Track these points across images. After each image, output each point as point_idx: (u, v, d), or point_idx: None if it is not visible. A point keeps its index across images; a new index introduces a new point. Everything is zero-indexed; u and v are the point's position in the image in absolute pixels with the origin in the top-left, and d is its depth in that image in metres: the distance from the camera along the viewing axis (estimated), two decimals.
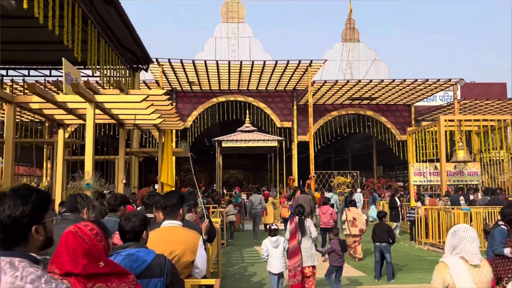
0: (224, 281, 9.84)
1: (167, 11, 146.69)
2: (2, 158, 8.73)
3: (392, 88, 26.13)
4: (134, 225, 3.15)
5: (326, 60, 25.78)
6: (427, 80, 24.94)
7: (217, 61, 23.84)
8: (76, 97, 8.00)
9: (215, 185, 27.50)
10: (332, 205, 15.13)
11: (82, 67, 15.27)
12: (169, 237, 3.81)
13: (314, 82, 25.11)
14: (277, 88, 28.59)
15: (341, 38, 35.05)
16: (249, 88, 28.42)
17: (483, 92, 32.39)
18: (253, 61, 23.98)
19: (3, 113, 12.11)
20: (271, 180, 30.90)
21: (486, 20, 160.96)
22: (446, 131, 16.71)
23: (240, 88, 28.42)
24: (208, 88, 28.24)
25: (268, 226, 8.94)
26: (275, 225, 8.61)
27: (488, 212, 13.26)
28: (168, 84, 27.02)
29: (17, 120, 21.51)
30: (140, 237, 3.17)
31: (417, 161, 18.46)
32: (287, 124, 29.20)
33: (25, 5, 7.98)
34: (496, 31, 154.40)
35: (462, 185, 18.25)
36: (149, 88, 23.97)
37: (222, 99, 28.87)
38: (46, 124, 26.73)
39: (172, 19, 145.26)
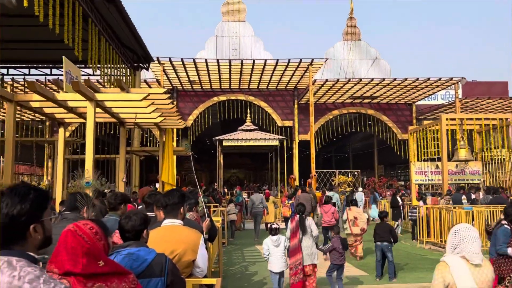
0: (225, 280, 9.83)
1: (167, 11, 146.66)
2: (3, 157, 8.70)
3: (393, 87, 26.08)
4: (135, 224, 3.12)
5: (327, 59, 25.76)
6: (429, 79, 24.90)
7: (218, 60, 23.82)
8: (77, 95, 7.97)
9: (216, 184, 27.48)
10: (334, 204, 15.11)
11: (83, 66, 15.25)
12: (170, 236, 3.77)
13: (315, 81, 25.08)
14: (278, 87, 28.56)
15: (342, 37, 34.99)
16: (250, 87, 28.38)
17: (485, 91, 32.32)
18: (254, 60, 23.95)
19: (4, 112, 12.10)
20: (272, 179, 30.87)
21: (487, 19, 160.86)
22: (447, 130, 16.67)
23: (241, 87, 28.39)
24: (209, 87, 28.21)
25: (269, 225, 8.95)
26: (276, 224, 8.61)
27: (490, 211, 13.22)
28: (169, 83, 27.00)
29: (18, 119, 21.58)
30: (140, 236, 3.14)
31: (418, 160, 18.43)
32: (288, 123, 29.17)
33: (25, 3, 7.95)
34: (497, 31, 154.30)
35: (463, 184, 18.21)
36: (150, 87, 23.96)
37: (223, 98, 28.84)
38: (47, 123, 26.71)
39: (172, 19, 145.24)
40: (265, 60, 23.89)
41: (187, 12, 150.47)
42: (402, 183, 32.07)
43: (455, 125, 17.16)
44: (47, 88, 12.71)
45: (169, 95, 10.35)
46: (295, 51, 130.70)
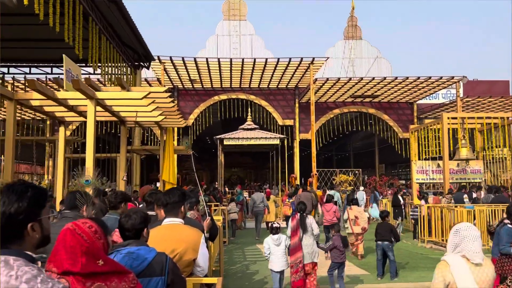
0: (226, 279, 9.80)
1: (167, 11, 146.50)
2: (3, 156, 8.67)
3: (394, 86, 26.05)
4: (135, 222, 3.09)
5: (328, 58, 25.71)
6: (430, 77, 24.88)
7: (218, 59, 23.80)
8: (77, 94, 7.94)
9: (216, 183, 27.47)
10: (336, 203, 15.10)
11: (84, 64, 15.22)
12: (170, 235, 3.74)
13: (316, 79, 25.05)
14: (279, 86, 28.54)
15: (343, 36, 34.94)
16: (251, 86, 28.36)
17: (486, 90, 32.27)
18: (255, 59, 23.92)
19: (5, 111, 12.06)
20: (273, 178, 30.85)
21: (488, 18, 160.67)
22: (449, 129, 16.63)
23: (241, 86, 28.37)
24: (210, 86, 28.20)
25: (270, 224, 8.94)
26: (277, 223, 8.59)
27: (492, 210, 13.18)
28: (169, 82, 26.99)
29: (19, 118, 21.56)
30: (140, 235, 3.11)
31: (419, 159, 18.40)
32: (289, 122, 29.15)
33: (25, 2, 7.92)
34: (498, 30, 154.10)
35: (464, 183, 18.18)
36: (151, 86, 23.91)
37: (223, 97, 28.83)
38: (48, 122, 26.71)
39: (172, 19, 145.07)
40: (266, 59, 23.87)
41: (187, 12, 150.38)
42: (403, 182, 32.03)
43: (457, 124, 17.12)
44: (48, 87, 12.70)
45: (169, 93, 10.32)
46: (296, 50, 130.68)
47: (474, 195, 16.21)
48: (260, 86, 28.45)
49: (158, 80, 25.25)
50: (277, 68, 24.60)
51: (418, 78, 24.79)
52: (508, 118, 17.39)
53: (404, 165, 37.51)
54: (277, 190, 27.16)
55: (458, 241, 3.42)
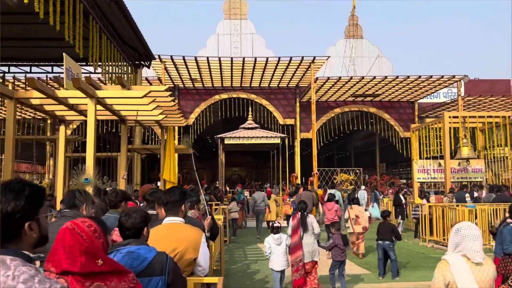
0: (227, 278, 9.78)
1: (167, 11, 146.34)
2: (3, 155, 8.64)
3: (395, 85, 26.02)
4: (135, 221, 3.05)
5: (329, 57, 25.67)
6: (431, 76, 24.83)
7: (219, 58, 23.77)
8: (77, 92, 7.90)
9: (217, 182, 27.45)
10: (337, 202, 15.10)
11: (84, 63, 15.20)
12: (171, 234, 3.71)
13: (317, 78, 25.01)
14: (279, 85, 28.50)
15: (344, 35, 34.89)
16: (252, 85, 28.33)
17: (487, 89, 32.22)
18: (255, 58, 23.87)
19: (5, 110, 12.03)
20: (273, 177, 30.83)
21: (490, 17, 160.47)
22: (450, 128, 16.60)
23: (242, 85, 28.33)
24: (211, 85, 28.17)
25: (270, 224, 8.93)
26: (278, 222, 8.59)
27: (493, 209, 13.13)
28: (170, 81, 26.96)
29: (20, 118, 21.57)
30: (140, 234, 3.07)
31: (420, 158, 18.37)
32: (289, 121, 29.12)
33: (25, 0, 7.90)
34: (500, 29, 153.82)
35: (465, 182, 18.14)
36: (152, 85, 23.89)
37: (224, 96, 28.81)
38: (49, 121, 26.70)
39: (172, 19, 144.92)
40: (267, 58, 23.83)
41: (187, 12, 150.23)
42: (404, 181, 32.00)
43: (458, 123, 17.08)
44: (48, 86, 12.67)
45: (170, 92, 10.28)
46: (297, 49, 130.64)
47: (476, 194, 16.17)
48: (261, 85, 28.41)
49: (159, 79, 25.21)
50: (278, 67, 24.57)
51: (419, 77, 24.75)
52: (509, 117, 17.33)
53: (405, 164, 37.45)
54: (278, 189, 27.15)
55: (459, 240, 3.41)
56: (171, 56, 22.85)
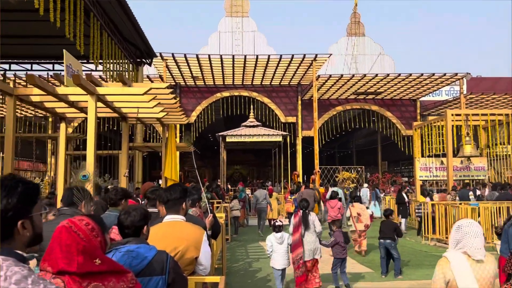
0: (229, 277, 9.73)
1: (167, 11, 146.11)
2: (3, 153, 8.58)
3: (397, 83, 25.94)
4: (134, 219, 2.98)
5: (331, 55, 25.57)
6: (433, 74, 24.73)
7: (221, 56, 23.70)
8: (78, 89, 7.84)
9: (219, 180, 27.40)
10: (340, 199, 15.09)
11: (85, 61, 15.16)
12: (171, 233, 3.64)
13: (319, 76, 24.94)
14: (281, 83, 28.43)
15: (346, 32, 34.81)
16: (253, 83, 28.26)
17: (490, 86, 32.08)
18: (257, 56, 23.81)
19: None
20: (275, 175, 30.78)
21: (492, 15, 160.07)
22: (452, 126, 16.51)
23: (244, 83, 28.26)
24: (212, 83, 28.11)
25: (272, 222, 8.91)
26: (280, 221, 8.56)
27: (497, 207, 13.05)
28: (172, 79, 26.89)
29: (21, 116, 21.54)
30: (140, 232, 3.00)
31: (422, 156, 18.29)
32: (291, 119, 29.05)
33: None
34: (502, 27, 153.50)
35: (468, 181, 18.05)
36: (153, 83, 23.84)
37: (226, 94, 28.74)
38: (50, 119, 26.66)
39: (172, 19, 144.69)
40: (269, 56, 23.75)
41: (187, 12, 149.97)
42: (406, 179, 31.94)
43: (460, 120, 17.00)
44: (49, 84, 12.63)
45: (171, 89, 10.22)
46: (298, 47, 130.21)
47: (478, 192, 16.09)
48: (263, 83, 28.34)
49: (160, 77, 25.17)
50: (279, 65, 24.50)
51: (422, 74, 24.66)
52: None
53: (406, 162, 37.43)
54: (280, 187, 27.10)
55: (460, 237, 3.39)
56: (173, 54, 22.79)
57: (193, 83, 28.05)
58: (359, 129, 33.05)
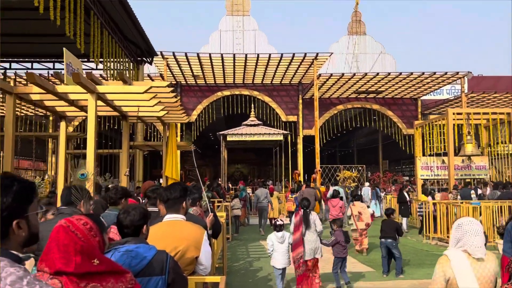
0: (230, 276, 9.70)
1: (167, 11, 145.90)
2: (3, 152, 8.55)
3: (398, 82, 25.90)
4: (133, 219, 2.94)
5: (332, 53, 25.54)
6: (435, 73, 24.69)
7: (221, 54, 23.65)
8: (78, 87, 7.80)
9: (220, 179, 27.39)
10: (341, 198, 15.09)
11: (86, 60, 15.11)
12: (171, 232, 3.60)
13: (320, 75, 24.90)
14: (282, 82, 28.39)
15: (347, 31, 34.75)
16: (254, 82, 28.23)
17: (491, 85, 32.01)
18: (258, 54, 23.77)
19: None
20: (276, 174, 30.75)
21: (493, 14, 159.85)
22: (454, 125, 16.47)
23: (245, 82, 28.22)
24: (213, 82, 28.07)
25: (273, 221, 8.91)
26: (281, 220, 8.55)
27: (499, 206, 13.01)
28: (172, 77, 26.85)
29: (22, 114, 21.51)
30: (140, 232, 2.96)
31: (424, 155, 18.25)
32: (292, 118, 29.01)
33: None
34: (503, 26, 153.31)
35: (469, 180, 18.01)
36: (153, 81, 23.81)
37: (227, 93, 28.71)
38: (51, 118, 26.62)
39: (172, 19, 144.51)
40: (270, 55, 23.70)
41: (187, 12, 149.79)
42: (407, 178, 31.91)
43: (462, 119, 16.95)
44: (50, 82, 12.61)
45: (172, 88, 10.18)
46: (299, 46, 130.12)
47: (480, 191, 16.05)
48: (264, 82, 28.30)
49: (161, 76, 25.13)
50: (280, 63, 24.46)
51: (423, 73, 24.62)
52: None
53: (407, 161, 37.38)
54: (281, 186, 27.07)
55: (460, 235, 3.38)
56: (173, 53, 22.74)
57: (194, 82, 28.01)
58: (360, 128, 32.99)
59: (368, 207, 15.38)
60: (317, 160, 24.42)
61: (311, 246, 8.24)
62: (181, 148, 17.94)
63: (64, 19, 9.41)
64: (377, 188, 22.65)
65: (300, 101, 28.88)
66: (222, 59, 23.70)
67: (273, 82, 28.32)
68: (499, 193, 14.01)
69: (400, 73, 24.78)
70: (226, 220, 13.31)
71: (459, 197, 14.94)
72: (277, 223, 8.39)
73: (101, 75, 18.37)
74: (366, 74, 25.10)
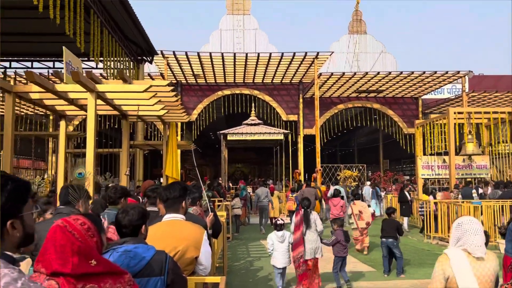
0: (230, 276, 9.68)
1: (167, 11, 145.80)
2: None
3: (399, 81, 25.85)
4: (132, 218, 2.91)
5: (332, 52, 25.48)
6: (435, 72, 24.64)
7: (222, 54, 23.60)
8: (77, 86, 7.76)
9: (220, 178, 27.36)
10: (342, 197, 15.08)
11: (86, 59, 15.08)
12: (171, 232, 3.56)
13: (320, 74, 24.85)
14: (283, 81, 28.35)
15: (348, 30, 34.69)
16: (255, 81, 28.18)
17: (492, 84, 31.96)
18: (258, 54, 23.73)
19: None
20: (277, 173, 30.71)
21: (495, 13, 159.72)
22: (455, 124, 16.43)
23: (245, 81, 28.18)
24: (213, 81, 28.03)
25: (274, 221, 8.92)
26: (281, 219, 8.55)
27: (500, 206, 12.97)
28: (173, 76, 26.81)
29: (22, 113, 21.49)
30: (138, 232, 2.92)
31: (424, 154, 18.21)
32: (293, 117, 28.97)
33: None
34: (504, 25, 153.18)
35: (470, 179, 17.98)
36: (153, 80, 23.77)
37: (227, 92, 28.67)
38: (51, 117, 26.60)
39: (172, 19, 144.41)
40: (270, 54, 23.66)
41: (187, 12, 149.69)
42: (408, 177, 31.87)
43: (463, 118, 16.91)
44: (50, 82, 12.59)
45: (172, 87, 10.14)
46: (300, 45, 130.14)
47: (480, 190, 16.01)
48: (264, 81, 28.26)
49: (162, 75, 25.10)
50: (281, 62, 24.41)
51: (424, 72, 24.57)
52: None
53: (408, 160, 37.34)
54: (281, 185, 27.03)
55: (460, 234, 3.39)
56: (174, 52, 22.71)
57: (194, 81, 27.97)
58: (360, 127, 32.96)
59: (369, 206, 15.37)
60: (318, 160, 24.38)
61: (312, 246, 8.27)
62: (182, 147, 17.91)
63: (64, 18, 9.38)
64: (377, 188, 22.61)
65: (301, 100, 28.84)
66: (223, 58, 23.66)
67: (273, 81, 28.28)
68: (500, 192, 13.99)
69: (401, 72, 24.73)
70: (227, 219, 13.28)
71: (460, 196, 14.89)
72: (278, 222, 8.42)
73: (101, 74, 18.34)
74: (366, 73, 25.04)
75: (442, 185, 22.17)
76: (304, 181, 22.23)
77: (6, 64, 17.99)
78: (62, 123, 10.04)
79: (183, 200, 3.78)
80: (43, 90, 7.77)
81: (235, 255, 12.40)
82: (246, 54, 23.76)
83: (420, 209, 16.13)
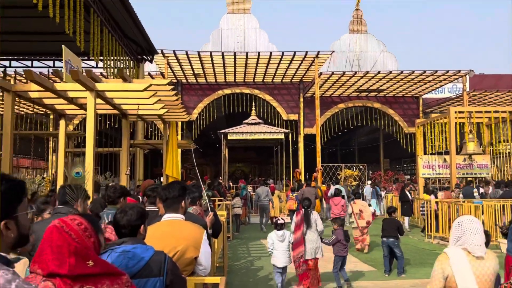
0: (230, 275, 9.66)
1: (167, 11, 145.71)
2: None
3: (400, 80, 25.79)
4: (131, 218, 2.87)
5: (333, 52, 25.42)
6: (436, 71, 24.58)
7: (222, 53, 23.54)
8: (77, 85, 7.73)
9: (220, 178, 27.34)
10: (343, 197, 15.08)
11: (86, 58, 15.06)
12: (170, 232, 3.53)
13: (321, 73, 24.80)
14: (283, 80, 28.30)
15: (349, 30, 34.64)
16: (255, 80, 28.14)
17: (493, 84, 31.90)
18: (259, 53, 23.67)
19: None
20: (277, 173, 30.69)
21: (495, 12, 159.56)
22: (456, 123, 16.39)
23: (246, 80, 28.14)
24: (214, 80, 27.99)
25: (274, 220, 8.91)
26: (281, 219, 8.55)
27: (501, 205, 12.94)
28: (173, 76, 26.77)
29: (22, 113, 21.45)
30: (137, 232, 2.89)
31: (425, 154, 18.18)
32: (293, 117, 28.93)
33: None
34: (505, 24, 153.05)
35: (471, 178, 17.94)
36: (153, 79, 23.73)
37: (227, 91, 28.62)
38: (51, 117, 26.57)
39: (172, 19, 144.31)
40: (271, 53, 23.62)
41: (187, 12, 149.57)
42: (408, 177, 31.84)
43: (464, 118, 16.87)
44: (50, 81, 12.55)
45: (172, 86, 10.11)
46: (300, 44, 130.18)
47: (481, 190, 15.98)
48: (265, 81, 28.21)
49: (162, 74, 25.06)
50: (281, 62, 24.35)
51: (424, 72, 24.52)
52: None
53: (409, 160, 37.30)
54: (282, 185, 27.01)
55: (460, 233, 3.39)
56: (174, 51, 22.67)
57: (195, 80, 27.93)
58: (361, 126, 32.93)
59: (369, 205, 15.35)
60: (318, 159, 24.35)
61: (312, 246, 8.28)
62: (182, 146, 17.88)
63: (64, 16, 9.35)
64: (377, 187, 22.58)
65: (301, 99, 28.80)
66: (223, 58, 23.61)
67: (274, 80, 28.23)
68: (501, 191, 13.96)
69: (402, 72, 24.67)
70: (227, 219, 13.26)
71: (461, 195, 14.86)
72: (278, 221, 8.41)
73: (101, 73, 18.31)
74: (367, 72, 24.98)
75: (443, 184, 22.14)
76: (305, 181, 22.22)
77: (6, 63, 17.97)
78: (62, 122, 10.01)
79: (183, 200, 3.75)
80: (42, 89, 7.74)
81: (235, 254, 12.38)
82: (247, 53, 23.71)
83: (421, 209, 16.10)
